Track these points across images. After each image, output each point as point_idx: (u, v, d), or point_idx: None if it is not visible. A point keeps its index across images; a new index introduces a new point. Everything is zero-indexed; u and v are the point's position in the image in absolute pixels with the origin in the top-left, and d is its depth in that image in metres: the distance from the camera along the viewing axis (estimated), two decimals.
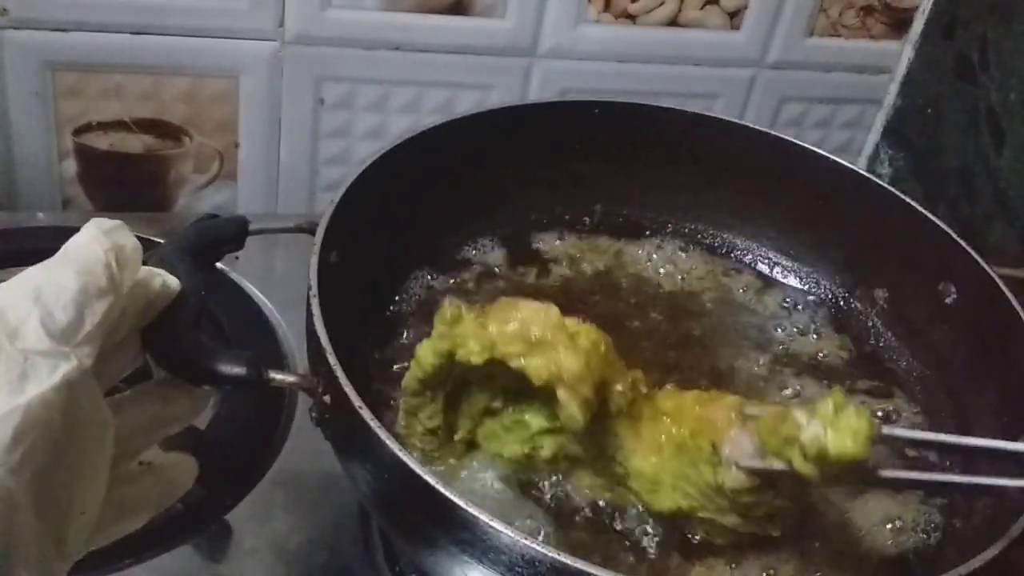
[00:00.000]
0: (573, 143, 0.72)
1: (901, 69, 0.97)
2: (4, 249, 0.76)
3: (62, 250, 0.40)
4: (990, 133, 0.86)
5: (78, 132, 0.84)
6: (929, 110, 0.94)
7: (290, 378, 0.48)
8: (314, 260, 0.53)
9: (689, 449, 0.50)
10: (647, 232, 0.76)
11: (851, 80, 0.97)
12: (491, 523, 0.43)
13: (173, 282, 0.44)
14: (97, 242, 0.40)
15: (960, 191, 0.89)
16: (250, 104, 0.85)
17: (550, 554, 0.42)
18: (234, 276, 0.77)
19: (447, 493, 0.44)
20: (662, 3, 0.88)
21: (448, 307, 0.50)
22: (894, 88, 0.98)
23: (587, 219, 0.75)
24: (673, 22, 0.89)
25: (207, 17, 0.80)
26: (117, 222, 0.41)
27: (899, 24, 0.95)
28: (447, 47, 0.86)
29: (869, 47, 0.95)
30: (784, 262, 0.76)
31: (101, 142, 0.84)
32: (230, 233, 0.54)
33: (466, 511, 0.43)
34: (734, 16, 0.90)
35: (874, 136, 1.01)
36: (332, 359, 0.48)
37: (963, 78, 0.89)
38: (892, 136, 0.99)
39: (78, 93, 0.81)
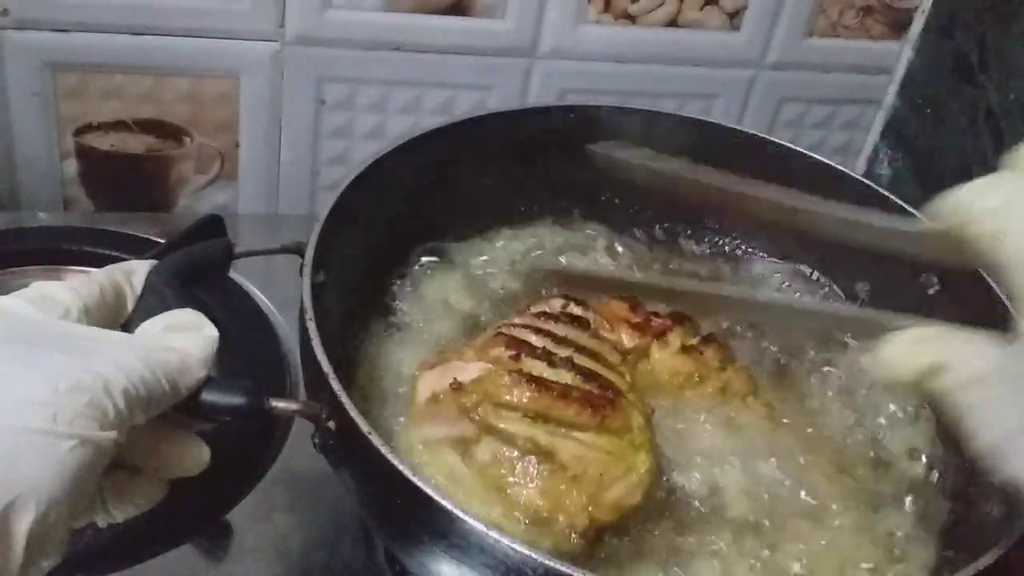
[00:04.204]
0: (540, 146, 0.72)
1: (900, 69, 0.97)
2: (5, 249, 0.76)
3: None
4: (989, 133, 0.86)
5: (79, 132, 0.84)
6: (928, 111, 0.94)
7: (293, 406, 0.48)
8: (306, 283, 0.53)
9: None
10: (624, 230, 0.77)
11: (850, 81, 0.97)
12: (514, 547, 0.43)
13: None
14: None
15: None
16: (251, 105, 0.85)
17: None
18: (232, 273, 0.77)
19: (469, 520, 0.44)
20: (662, 4, 0.88)
21: None
22: (893, 88, 0.98)
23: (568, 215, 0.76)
24: (673, 23, 0.89)
25: (208, 18, 0.80)
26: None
27: (898, 24, 0.95)
28: (447, 48, 0.86)
29: (868, 47, 0.95)
30: (764, 257, 0.76)
31: (102, 142, 0.85)
32: (216, 258, 0.54)
33: (487, 536, 0.43)
34: (734, 17, 0.90)
35: (873, 137, 1.01)
36: (336, 385, 0.48)
37: (962, 78, 0.89)
38: (892, 137, 0.99)
39: (79, 93, 0.82)
